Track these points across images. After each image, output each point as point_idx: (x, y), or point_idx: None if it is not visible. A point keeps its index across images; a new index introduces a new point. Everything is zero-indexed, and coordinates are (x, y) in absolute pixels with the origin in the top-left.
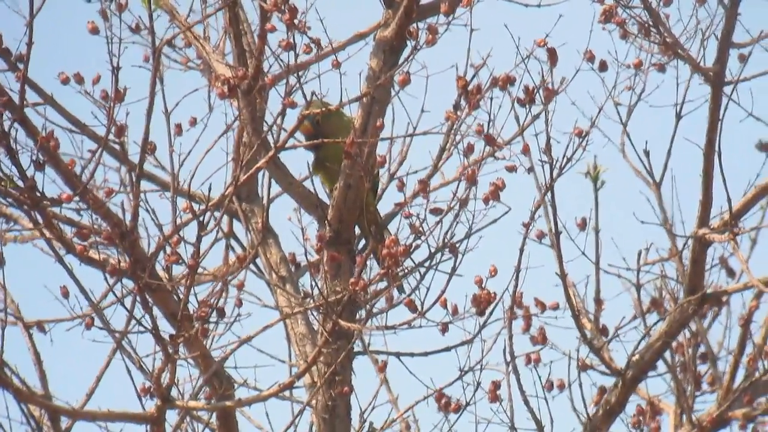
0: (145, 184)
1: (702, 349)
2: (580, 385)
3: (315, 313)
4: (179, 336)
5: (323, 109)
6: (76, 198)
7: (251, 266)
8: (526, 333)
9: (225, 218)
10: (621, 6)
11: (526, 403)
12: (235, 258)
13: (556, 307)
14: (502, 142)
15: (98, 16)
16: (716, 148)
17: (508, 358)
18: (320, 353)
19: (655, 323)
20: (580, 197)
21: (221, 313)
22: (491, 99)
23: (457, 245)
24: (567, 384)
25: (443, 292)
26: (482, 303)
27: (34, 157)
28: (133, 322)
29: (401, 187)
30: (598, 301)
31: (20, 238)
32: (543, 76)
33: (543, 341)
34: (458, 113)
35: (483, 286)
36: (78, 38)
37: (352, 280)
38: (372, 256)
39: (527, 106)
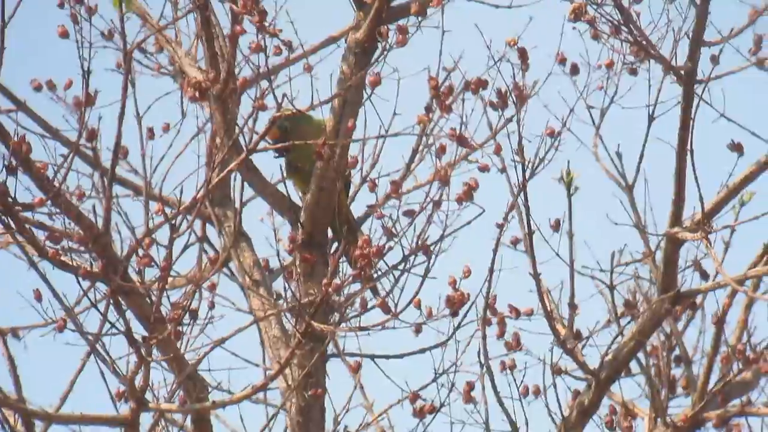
0: (117, 189)
1: (676, 351)
2: (555, 386)
3: (288, 316)
4: (152, 337)
5: (290, 111)
6: (49, 202)
7: (225, 270)
8: (501, 339)
9: (198, 222)
10: (590, 3)
11: (501, 404)
12: (207, 260)
13: (530, 314)
14: (475, 144)
15: (70, 21)
16: (688, 147)
17: (483, 360)
18: (293, 355)
19: (628, 322)
20: (553, 202)
21: (194, 315)
22: (463, 101)
23: (431, 247)
24: (542, 389)
25: (417, 293)
26: (456, 304)
27: (5, 162)
28: (107, 325)
29: (373, 187)
30: (573, 306)
31: None
32: (515, 79)
33: (517, 347)
34: (430, 115)
35: (456, 287)
36: (50, 43)
37: (324, 281)
38: (345, 258)
39: (500, 109)
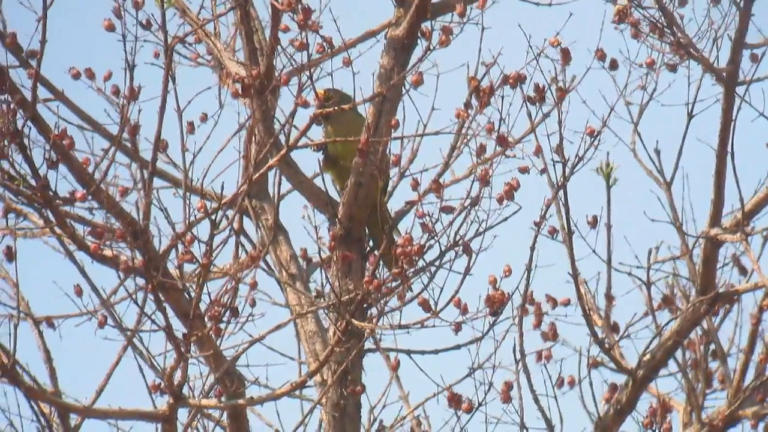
0: (157, 181)
1: (713, 346)
2: (591, 384)
3: (325, 312)
4: (192, 334)
5: (338, 105)
6: (89, 197)
7: (262, 263)
8: (537, 329)
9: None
10: (634, 6)
11: (536, 401)
12: (247, 256)
13: (567, 303)
14: (513, 141)
15: (111, 13)
16: (728, 149)
17: (518, 357)
18: (332, 352)
19: (667, 322)
20: (591, 195)
21: (234, 313)
22: (502, 97)
23: (469, 242)
24: (578, 380)
25: (457, 292)
26: (496, 303)
27: (46, 155)
28: (144, 319)
29: (415, 186)
30: (609, 297)
31: (30, 233)
32: (556, 74)
33: (554, 338)
34: (469, 112)
35: (497, 286)
36: (90, 35)
37: (365, 279)
38: (381, 258)
39: (537, 104)
